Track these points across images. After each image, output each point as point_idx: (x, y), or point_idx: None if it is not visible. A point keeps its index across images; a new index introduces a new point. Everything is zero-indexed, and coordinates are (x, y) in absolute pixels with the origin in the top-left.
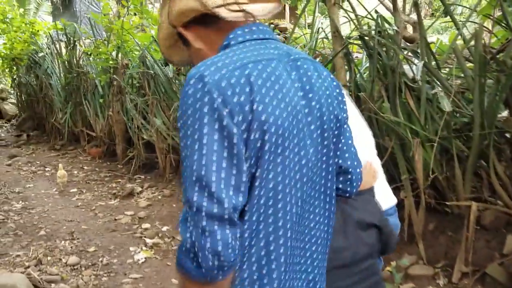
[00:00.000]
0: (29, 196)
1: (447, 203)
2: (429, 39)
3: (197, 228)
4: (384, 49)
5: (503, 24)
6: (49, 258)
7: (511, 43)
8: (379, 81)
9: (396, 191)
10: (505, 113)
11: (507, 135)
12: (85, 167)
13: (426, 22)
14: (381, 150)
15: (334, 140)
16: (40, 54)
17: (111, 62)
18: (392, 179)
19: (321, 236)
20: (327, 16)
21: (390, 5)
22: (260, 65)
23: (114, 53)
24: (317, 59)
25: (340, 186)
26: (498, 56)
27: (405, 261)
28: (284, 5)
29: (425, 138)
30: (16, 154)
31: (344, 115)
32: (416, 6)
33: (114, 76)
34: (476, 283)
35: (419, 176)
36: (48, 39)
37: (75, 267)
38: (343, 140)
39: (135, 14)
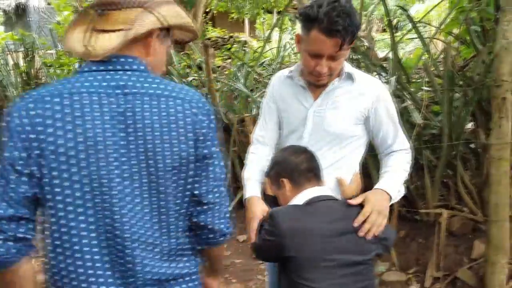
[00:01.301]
0: None
1: (419, 211)
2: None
3: None
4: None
5: (466, 42)
6: None
7: (475, 59)
8: None
9: None
10: (470, 125)
11: (472, 145)
12: None
13: (380, 37)
14: None
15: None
16: None
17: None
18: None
19: None
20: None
21: None
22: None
23: (77, 64)
24: None
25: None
26: (464, 71)
27: (382, 268)
28: (243, 19)
29: None
30: None
31: (197, 152)
32: (389, 25)
33: None
34: (448, 287)
35: None
36: (2, 49)
37: None
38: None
39: None
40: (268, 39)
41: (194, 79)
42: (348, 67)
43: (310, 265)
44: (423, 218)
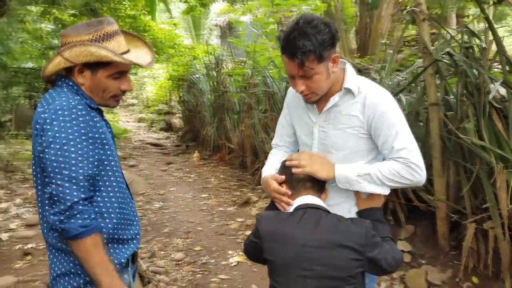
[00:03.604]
0: (168, 198)
1: None
2: None
3: None
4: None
5: None
6: (162, 252)
7: None
8: (467, 100)
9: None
10: None
11: None
12: (221, 176)
13: None
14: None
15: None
16: (196, 75)
17: (242, 82)
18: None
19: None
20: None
21: None
22: None
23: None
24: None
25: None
26: None
27: None
28: (448, 14)
29: None
30: (172, 161)
31: (39, 148)
32: (488, 21)
33: (243, 94)
34: None
35: (503, 206)
36: (204, 61)
37: (179, 263)
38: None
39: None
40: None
41: None
42: (349, 82)
43: (284, 271)
44: None
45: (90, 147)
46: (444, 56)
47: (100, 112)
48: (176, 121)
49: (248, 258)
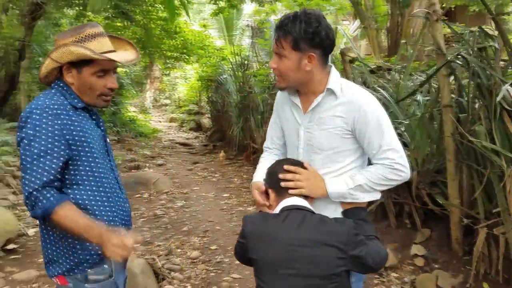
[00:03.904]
0: (191, 197)
1: None
2: None
3: None
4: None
5: None
6: (178, 250)
7: None
8: (479, 102)
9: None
10: None
11: None
12: (244, 176)
13: None
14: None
15: None
16: (224, 76)
17: (265, 82)
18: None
19: None
20: None
21: None
22: None
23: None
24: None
25: None
26: None
27: None
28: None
29: None
30: (198, 161)
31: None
32: (496, 22)
33: (266, 95)
34: None
35: None
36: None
37: (194, 261)
38: None
39: None
40: None
41: None
42: (332, 83)
43: (269, 269)
44: None
45: (56, 143)
46: (459, 57)
47: (89, 112)
48: (205, 121)
49: (237, 260)
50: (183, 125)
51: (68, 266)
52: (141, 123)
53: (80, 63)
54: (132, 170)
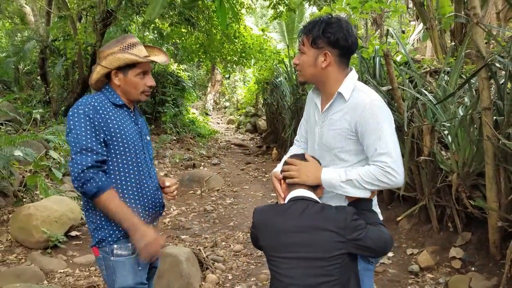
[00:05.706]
0: (240, 195)
1: None
2: None
3: None
4: None
5: None
6: (223, 243)
7: None
8: None
9: None
10: None
11: None
12: None
13: None
14: None
15: None
16: (279, 79)
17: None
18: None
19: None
20: None
21: None
22: None
23: None
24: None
25: None
26: None
27: None
28: None
29: None
30: (251, 161)
31: None
32: None
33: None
34: None
35: None
36: (286, 65)
37: (237, 253)
38: None
39: None
40: None
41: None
42: (344, 86)
43: (274, 255)
44: None
45: (93, 130)
46: (500, 60)
47: (128, 110)
48: (261, 123)
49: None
50: (240, 127)
51: (98, 238)
52: (200, 124)
53: (125, 67)
54: (189, 169)
